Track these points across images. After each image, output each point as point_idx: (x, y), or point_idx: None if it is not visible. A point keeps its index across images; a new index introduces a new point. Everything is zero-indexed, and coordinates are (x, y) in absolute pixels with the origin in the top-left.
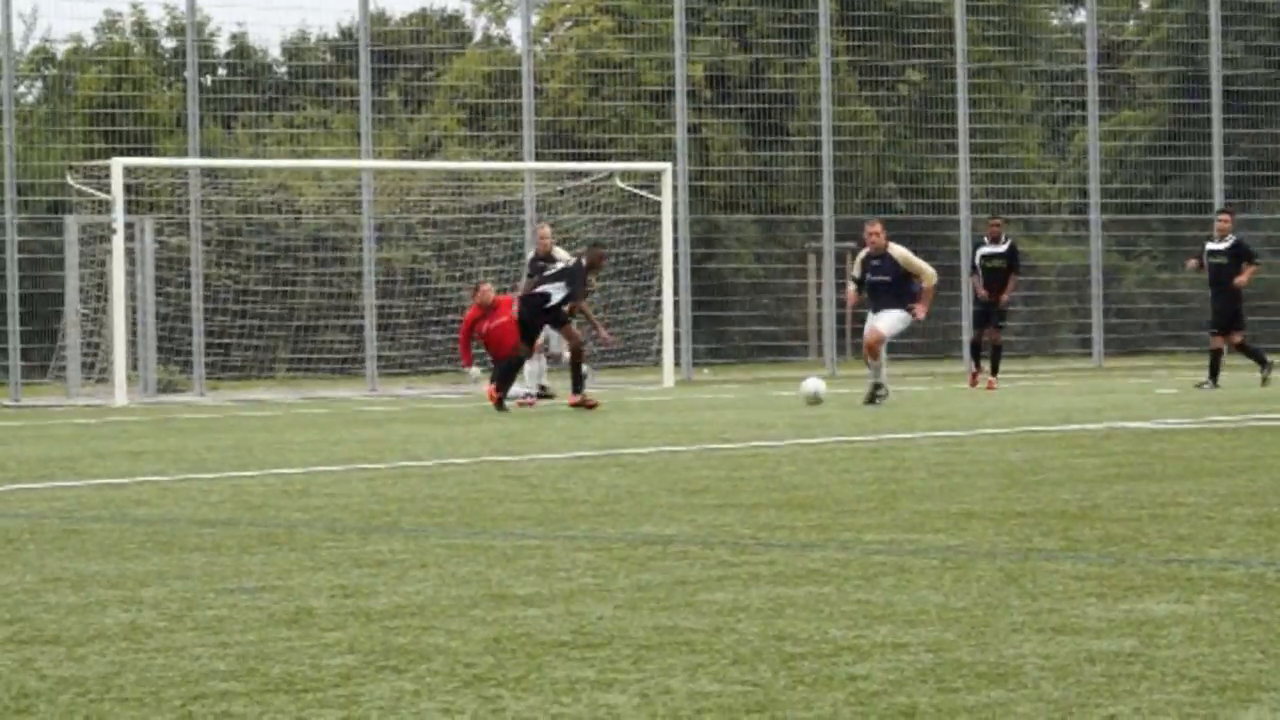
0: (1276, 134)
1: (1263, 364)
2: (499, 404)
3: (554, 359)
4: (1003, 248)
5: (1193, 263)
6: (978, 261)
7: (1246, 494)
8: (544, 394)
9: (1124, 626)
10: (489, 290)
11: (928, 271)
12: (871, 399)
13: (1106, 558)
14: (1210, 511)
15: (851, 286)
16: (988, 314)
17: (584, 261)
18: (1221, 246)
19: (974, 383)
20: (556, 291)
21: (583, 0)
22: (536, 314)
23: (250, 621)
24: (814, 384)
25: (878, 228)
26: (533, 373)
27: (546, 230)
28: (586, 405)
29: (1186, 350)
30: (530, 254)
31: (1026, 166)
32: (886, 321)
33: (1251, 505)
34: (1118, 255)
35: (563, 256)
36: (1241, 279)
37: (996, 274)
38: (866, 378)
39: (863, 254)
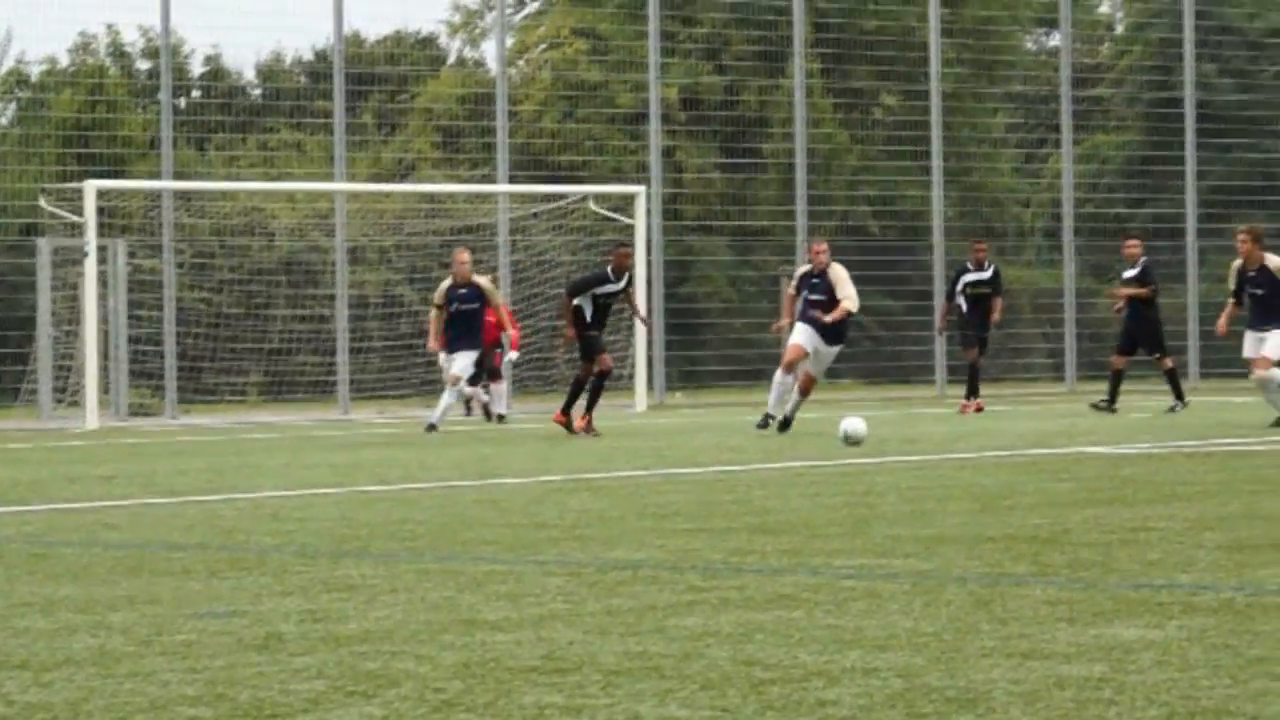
0: (1249, 157)
1: (1179, 396)
2: (583, 427)
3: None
4: (987, 274)
5: (1119, 304)
6: (961, 288)
7: (1216, 519)
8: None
9: (1094, 652)
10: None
11: (853, 298)
12: (766, 423)
13: (1076, 583)
14: (1180, 536)
15: (790, 291)
16: (976, 339)
17: (609, 269)
18: (1133, 273)
19: (965, 411)
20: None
21: (557, 23)
22: (588, 333)
23: (219, 647)
24: (855, 424)
25: (824, 246)
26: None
27: (465, 256)
28: (584, 429)
29: (1159, 374)
30: (447, 282)
31: (1000, 190)
32: (821, 364)
33: (1221, 530)
34: (1091, 278)
35: (483, 284)
36: (1124, 289)
37: (981, 300)
38: (775, 394)
39: (802, 271)
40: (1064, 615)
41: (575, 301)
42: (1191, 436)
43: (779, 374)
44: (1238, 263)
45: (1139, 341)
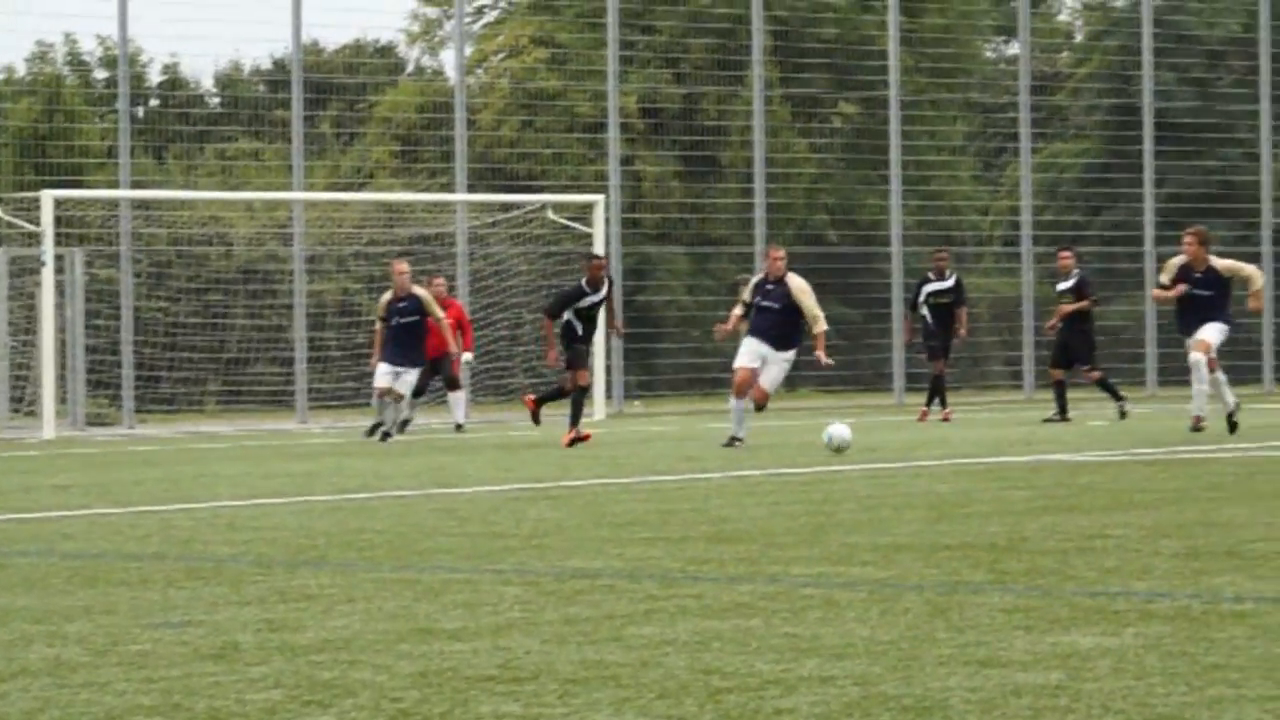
0: (1208, 166)
1: (1062, 412)
2: (576, 439)
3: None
4: (949, 283)
5: (1053, 323)
6: (924, 298)
7: (1173, 526)
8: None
9: (1050, 659)
10: (441, 285)
11: (821, 319)
12: (731, 443)
13: (1033, 590)
14: (1137, 544)
15: (737, 310)
16: (941, 349)
17: (583, 281)
18: (1068, 285)
19: (924, 418)
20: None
21: (516, 32)
22: (577, 346)
23: (175, 656)
24: (841, 431)
25: (781, 253)
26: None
27: (404, 266)
28: (581, 438)
29: (1116, 382)
30: (388, 295)
31: (959, 198)
32: (773, 378)
33: (1178, 538)
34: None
35: (422, 294)
36: (1066, 307)
37: (944, 310)
38: (736, 417)
39: (757, 278)
40: (1021, 623)
41: (565, 317)
42: (1149, 444)
43: (732, 400)
44: (1179, 259)
45: (1072, 352)
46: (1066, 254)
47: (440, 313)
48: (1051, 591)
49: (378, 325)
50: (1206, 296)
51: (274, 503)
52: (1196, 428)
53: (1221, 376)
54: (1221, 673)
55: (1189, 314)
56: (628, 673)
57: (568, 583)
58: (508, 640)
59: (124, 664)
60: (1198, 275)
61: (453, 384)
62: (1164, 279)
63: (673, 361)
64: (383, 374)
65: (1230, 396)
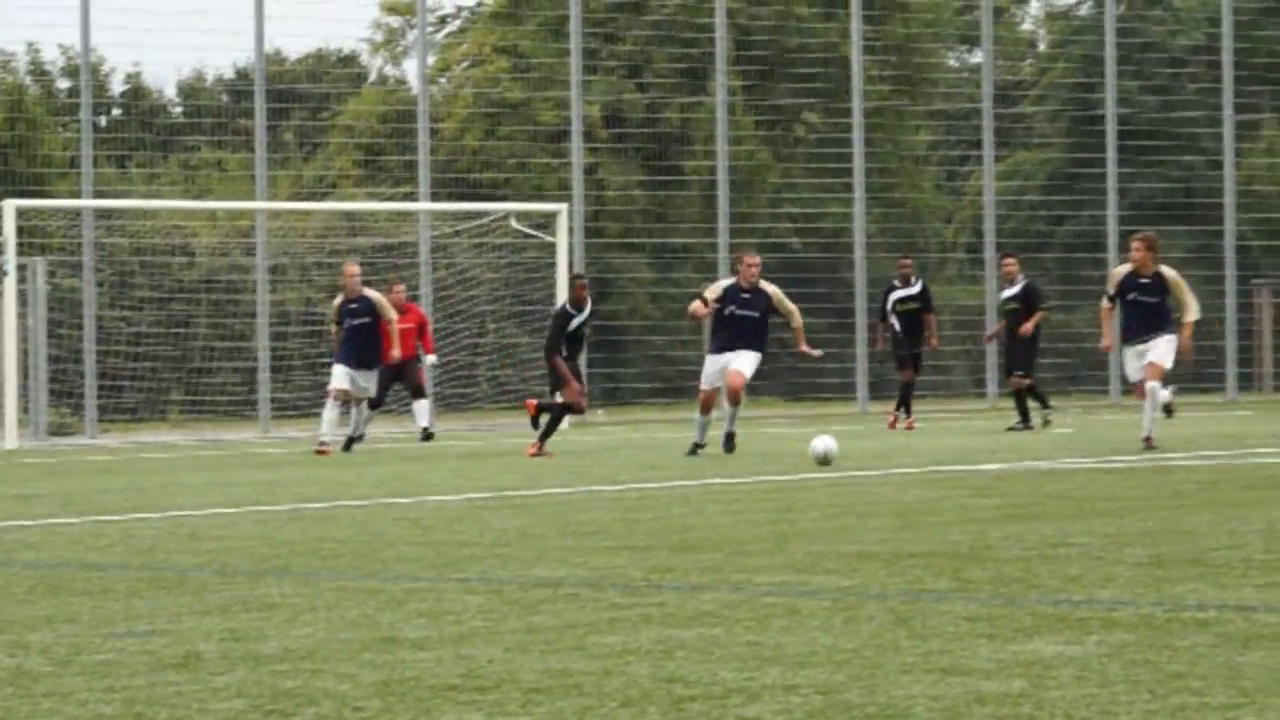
0: (1171, 174)
1: (1025, 420)
2: (540, 452)
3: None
4: (916, 289)
5: (992, 333)
6: (891, 306)
7: (1137, 534)
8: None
9: (1013, 667)
10: (402, 292)
11: (796, 312)
12: (731, 446)
13: (997, 598)
14: (1101, 552)
15: (700, 305)
16: (910, 357)
17: (566, 304)
18: (1013, 292)
19: (894, 425)
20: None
21: (479, 41)
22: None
23: (139, 666)
24: (825, 443)
25: (757, 260)
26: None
27: (354, 269)
28: (545, 454)
29: (1080, 390)
30: (339, 298)
31: (922, 206)
32: (747, 363)
33: (1142, 546)
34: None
35: (374, 297)
36: (1027, 326)
37: (911, 317)
38: (717, 420)
39: (729, 283)
40: (984, 631)
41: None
42: (1112, 452)
43: (698, 415)
44: (1124, 268)
45: (1012, 357)
46: (1011, 261)
47: (393, 315)
48: (1015, 600)
49: (333, 329)
50: (1152, 303)
51: (237, 512)
52: (1149, 446)
53: (1164, 395)
54: (1184, 681)
55: (1134, 320)
56: (591, 681)
57: (531, 591)
58: (471, 649)
59: (87, 674)
60: (1144, 281)
61: (418, 392)
62: (1109, 289)
63: (636, 370)
64: (339, 375)
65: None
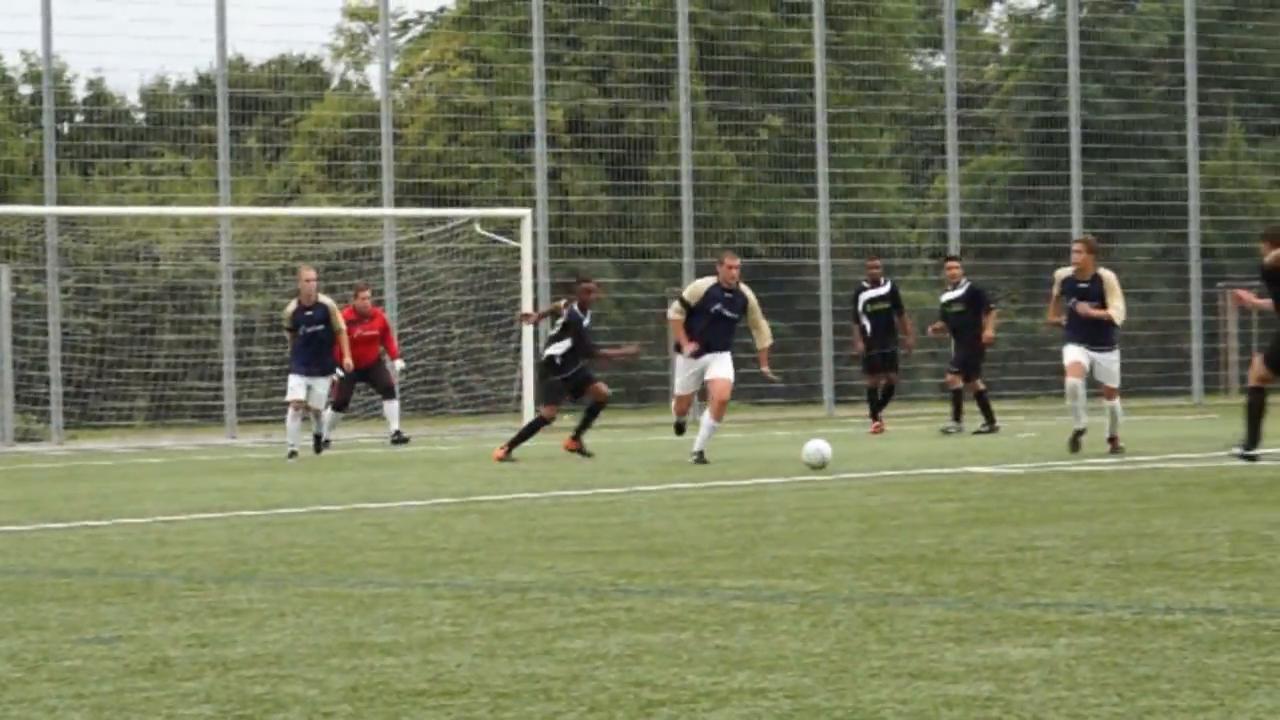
0: (1135, 176)
1: (990, 421)
2: (506, 457)
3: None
4: (885, 289)
5: (937, 326)
6: (862, 308)
7: (1104, 537)
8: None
9: (981, 671)
10: (367, 297)
11: (767, 333)
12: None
13: (964, 602)
14: (1068, 555)
15: (679, 317)
16: (880, 359)
17: (575, 306)
18: (956, 295)
19: (877, 430)
20: (559, 349)
21: (442, 46)
22: (554, 378)
23: (106, 672)
24: (819, 448)
25: (737, 262)
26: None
27: (310, 274)
28: (583, 452)
29: (1046, 394)
30: (293, 305)
31: (886, 210)
32: (728, 369)
33: (1109, 549)
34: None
35: (328, 304)
36: (989, 333)
37: (881, 317)
38: (708, 429)
39: (710, 283)
40: (952, 635)
41: (548, 351)
42: (1079, 455)
43: (676, 417)
44: (1065, 272)
45: (959, 361)
46: (954, 264)
47: (342, 325)
48: (982, 603)
49: (287, 335)
50: (1093, 306)
51: (204, 518)
52: (1075, 444)
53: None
54: (1153, 683)
55: (1076, 324)
56: (559, 686)
57: (499, 596)
58: (439, 654)
59: (55, 680)
60: (1083, 285)
61: (388, 393)
62: (1054, 293)
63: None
64: (294, 386)
65: (1084, 419)
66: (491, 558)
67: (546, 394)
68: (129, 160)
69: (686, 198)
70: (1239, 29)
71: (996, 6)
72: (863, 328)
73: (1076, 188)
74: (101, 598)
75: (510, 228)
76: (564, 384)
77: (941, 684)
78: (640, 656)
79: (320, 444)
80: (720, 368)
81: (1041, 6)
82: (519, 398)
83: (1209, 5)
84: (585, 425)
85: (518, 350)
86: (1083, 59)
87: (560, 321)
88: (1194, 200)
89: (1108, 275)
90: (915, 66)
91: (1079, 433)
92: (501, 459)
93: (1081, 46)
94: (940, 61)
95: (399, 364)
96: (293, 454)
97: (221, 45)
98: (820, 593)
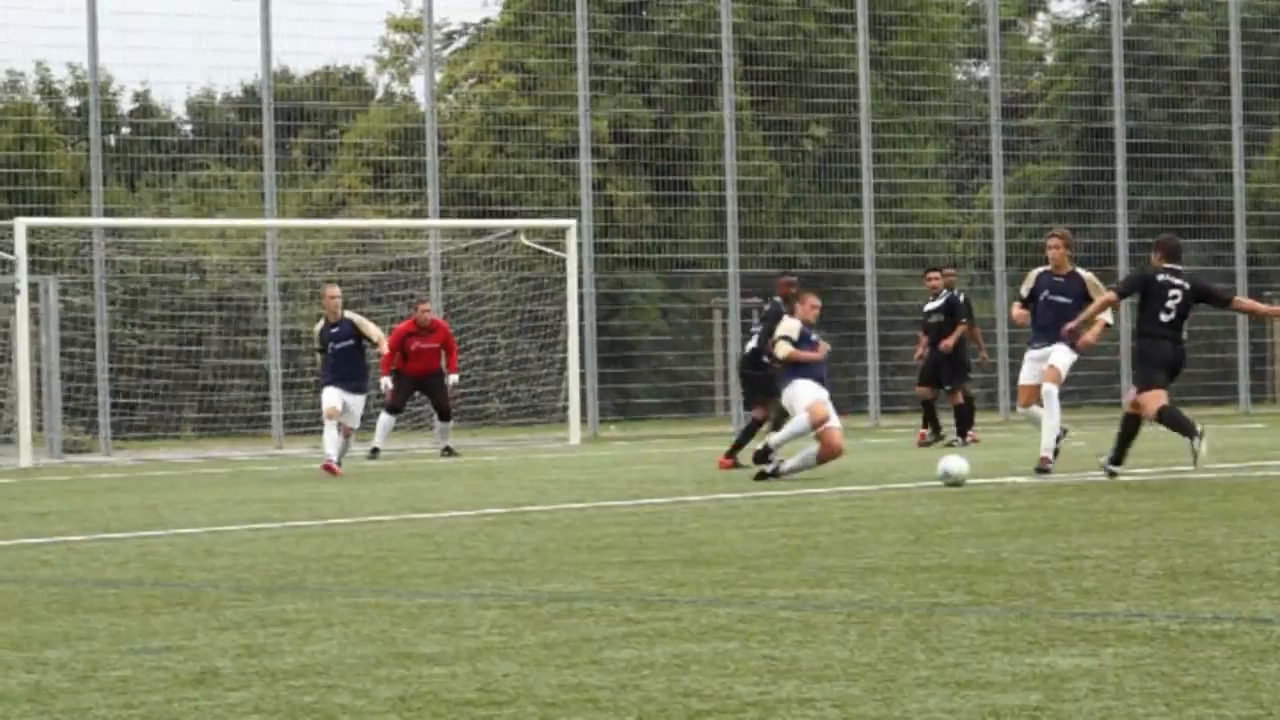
0: (1179, 186)
1: (936, 430)
2: (733, 465)
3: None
4: (939, 301)
5: (920, 352)
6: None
7: (1151, 547)
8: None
9: (1029, 680)
10: (428, 310)
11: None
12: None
13: (1011, 611)
14: (1115, 565)
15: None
16: (931, 370)
17: (777, 299)
18: (935, 305)
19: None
20: (754, 343)
21: (486, 57)
22: (752, 373)
23: (155, 682)
24: (955, 465)
25: (818, 303)
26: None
27: (334, 291)
28: (740, 465)
29: (1093, 404)
30: (320, 323)
31: (931, 221)
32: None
33: (1156, 558)
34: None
35: (354, 318)
36: (947, 341)
37: (936, 329)
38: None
39: (1039, 271)
40: (999, 644)
41: (749, 347)
42: (1125, 466)
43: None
44: (1040, 269)
45: (941, 372)
46: (934, 275)
47: (376, 334)
48: (1029, 612)
49: (317, 356)
50: (1065, 304)
51: (252, 528)
52: (1043, 468)
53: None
54: (1200, 693)
55: (1045, 322)
56: (606, 696)
57: (545, 606)
58: (486, 664)
59: (104, 690)
60: (1058, 280)
61: (444, 414)
62: (1023, 290)
63: (647, 385)
64: (331, 396)
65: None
66: (538, 568)
67: (750, 394)
68: (175, 172)
69: (731, 208)
70: None
71: (1040, 16)
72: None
73: (1122, 197)
74: (150, 608)
75: (555, 238)
76: (766, 380)
77: (989, 694)
78: (687, 666)
79: (375, 451)
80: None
81: (1086, 16)
82: (565, 408)
83: (1253, 14)
84: (741, 444)
85: (563, 361)
86: (1127, 68)
87: (765, 311)
88: (1239, 209)
89: (1087, 275)
90: (959, 76)
91: (1057, 439)
92: (728, 467)
93: (1126, 55)
94: (984, 71)
95: (453, 378)
96: (329, 466)
97: (267, 57)
98: (867, 602)
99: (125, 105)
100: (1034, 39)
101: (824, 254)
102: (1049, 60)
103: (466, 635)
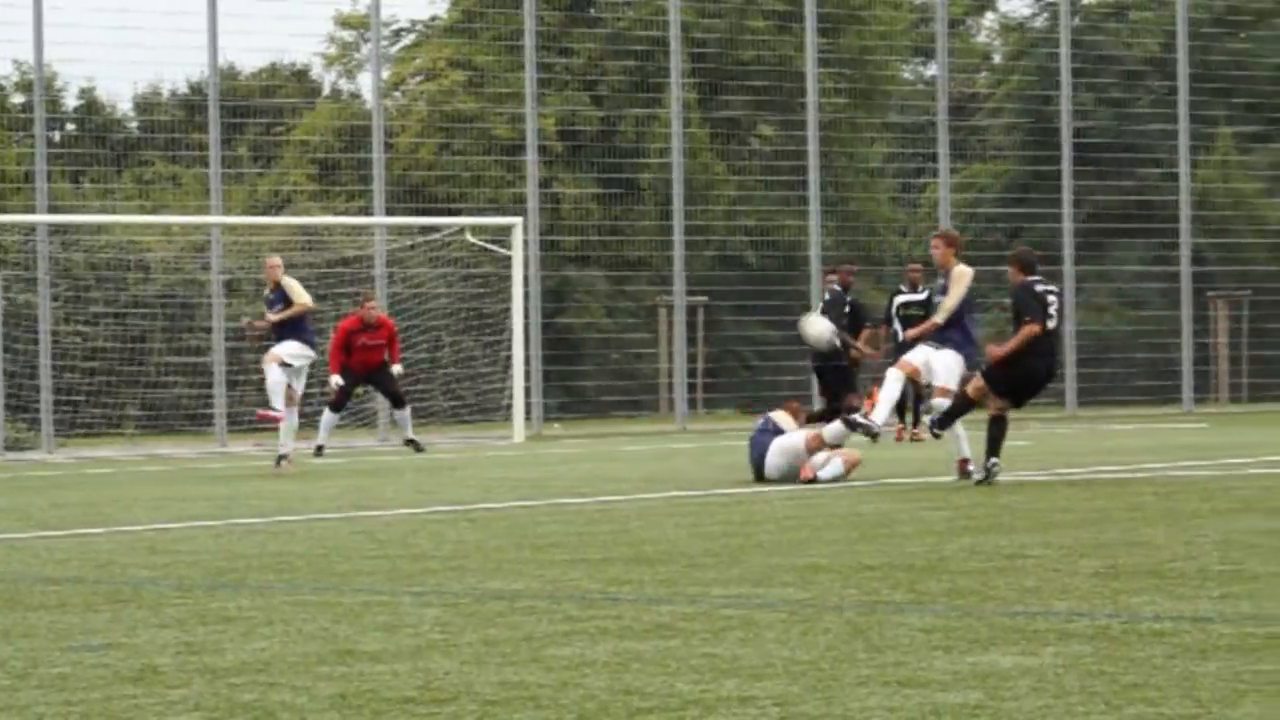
0: (1126, 186)
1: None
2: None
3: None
4: (922, 295)
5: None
6: (895, 311)
7: (1093, 546)
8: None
9: (970, 679)
10: (374, 307)
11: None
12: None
13: (953, 610)
14: (1057, 564)
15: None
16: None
17: (837, 288)
18: (918, 298)
19: (900, 437)
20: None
21: (433, 55)
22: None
23: (95, 679)
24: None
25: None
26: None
27: (275, 260)
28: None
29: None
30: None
31: (878, 219)
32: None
33: (1098, 557)
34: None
35: (292, 285)
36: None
37: (913, 322)
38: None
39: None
40: (940, 643)
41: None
42: (1068, 464)
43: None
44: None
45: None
46: (834, 276)
47: (298, 297)
48: (971, 611)
49: (258, 327)
50: (937, 306)
51: (194, 525)
52: (964, 472)
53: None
54: (1140, 691)
55: (916, 324)
56: (547, 694)
57: (487, 604)
58: (427, 661)
59: (44, 687)
60: (940, 280)
61: (398, 401)
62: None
63: (592, 383)
64: (276, 380)
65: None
66: (481, 566)
67: (834, 387)
68: (120, 169)
69: (677, 205)
70: (1230, 38)
71: (988, 15)
72: (892, 331)
73: (1068, 196)
74: (90, 605)
75: (501, 236)
76: (845, 371)
77: (930, 692)
78: (629, 664)
79: (317, 449)
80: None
81: (1033, 15)
82: (509, 405)
83: (1200, 14)
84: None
85: (508, 358)
86: (1074, 67)
87: (825, 299)
88: (1185, 209)
89: (957, 270)
90: (907, 75)
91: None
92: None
93: (1073, 55)
94: (932, 70)
95: (397, 368)
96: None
97: (213, 54)
98: (809, 601)
99: (71, 102)
100: (982, 38)
101: (770, 252)
102: (997, 59)
103: (408, 633)
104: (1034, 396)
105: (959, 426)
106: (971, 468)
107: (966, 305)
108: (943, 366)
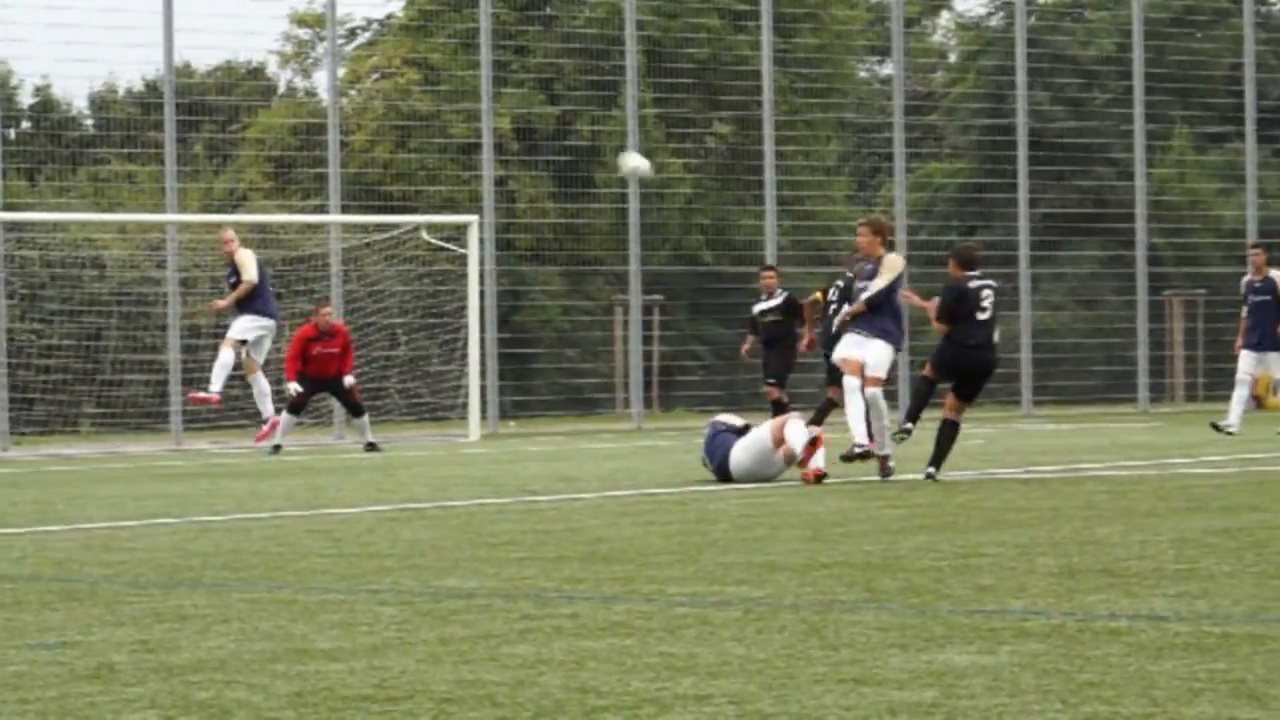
0: (1083, 185)
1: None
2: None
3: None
4: (777, 301)
5: (748, 346)
6: (759, 315)
7: (1048, 544)
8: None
9: (925, 677)
10: (329, 314)
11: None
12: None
13: (909, 609)
14: (1012, 562)
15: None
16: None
17: (850, 275)
18: (772, 304)
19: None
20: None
21: (389, 53)
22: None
23: (51, 677)
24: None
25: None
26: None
27: (229, 234)
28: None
29: (994, 401)
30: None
31: (833, 218)
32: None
33: (1053, 556)
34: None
35: (242, 260)
36: (803, 345)
37: (769, 328)
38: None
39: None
40: (896, 641)
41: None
42: (1023, 463)
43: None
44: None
45: (768, 368)
46: (770, 274)
47: (246, 273)
48: (926, 610)
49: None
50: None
51: (149, 524)
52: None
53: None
54: (1096, 690)
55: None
56: (504, 692)
57: (443, 602)
58: (383, 660)
59: None
60: (868, 266)
61: (356, 411)
62: (840, 282)
63: (547, 382)
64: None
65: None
66: (436, 564)
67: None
68: (76, 166)
69: (634, 205)
70: (1186, 37)
71: (945, 14)
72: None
73: (1023, 195)
74: (46, 603)
75: (457, 235)
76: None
77: (885, 690)
78: (584, 662)
79: (274, 449)
80: None
81: (989, 14)
82: (464, 404)
83: (1157, 14)
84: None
85: (464, 357)
86: (1030, 67)
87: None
88: (1140, 208)
89: (888, 257)
90: (863, 74)
91: (865, 454)
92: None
93: (1029, 54)
94: (888, 69)
95: (349, 379)
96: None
97: (169, 51)
98: (765, 599)
99: (26, 99)
100: (938, 37)
101: (725, 251)
102: (952, 58)
103: (363, 631)
104: (977, 389)
105: (869, 410)
106: (859, 448)
107: (892, 291)
108: (874, 356)
